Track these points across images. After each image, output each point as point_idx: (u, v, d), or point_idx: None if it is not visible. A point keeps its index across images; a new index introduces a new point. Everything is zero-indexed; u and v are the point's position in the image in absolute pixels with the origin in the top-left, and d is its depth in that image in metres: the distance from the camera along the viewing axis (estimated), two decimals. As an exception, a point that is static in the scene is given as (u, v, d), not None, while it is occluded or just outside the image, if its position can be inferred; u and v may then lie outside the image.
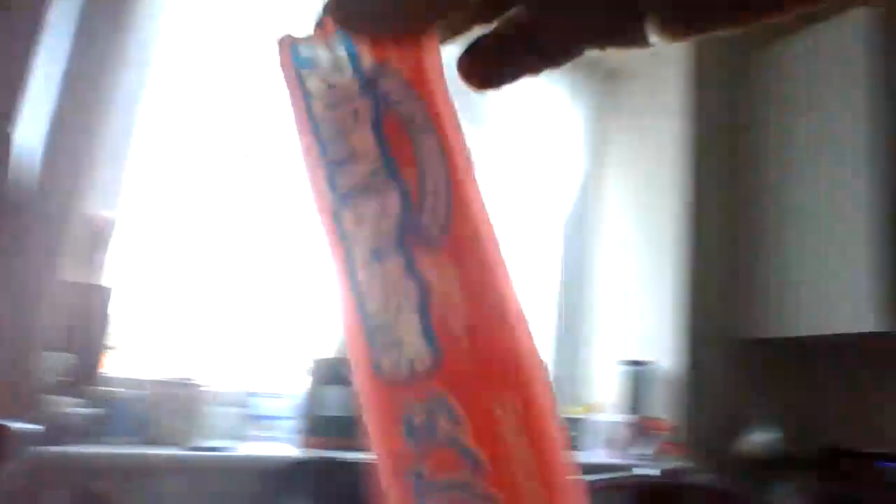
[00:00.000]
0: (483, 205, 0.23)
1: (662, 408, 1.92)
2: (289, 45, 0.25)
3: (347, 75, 0.23)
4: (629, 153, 2.24)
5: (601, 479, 1.34)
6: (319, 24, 0.24)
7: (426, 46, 0.23)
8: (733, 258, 2.11)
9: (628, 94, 2.28)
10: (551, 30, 0.25)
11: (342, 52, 0.24)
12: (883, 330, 1.75)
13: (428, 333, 0.21)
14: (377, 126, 0.23)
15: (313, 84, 0.24)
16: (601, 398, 2.01)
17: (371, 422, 0.22)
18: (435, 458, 0.21)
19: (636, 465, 1.67)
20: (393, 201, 0.23)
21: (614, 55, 2.22)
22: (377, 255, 0.22)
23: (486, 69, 0.26)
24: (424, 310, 0.22)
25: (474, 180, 0.23)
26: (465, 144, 0.23)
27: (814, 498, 1.93)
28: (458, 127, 0.23)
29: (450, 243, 0.22)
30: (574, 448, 1.92)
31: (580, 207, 2.23)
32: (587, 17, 0.24)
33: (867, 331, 1.78)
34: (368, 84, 0.23)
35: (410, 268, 0.22)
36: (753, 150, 2.17)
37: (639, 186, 2.18)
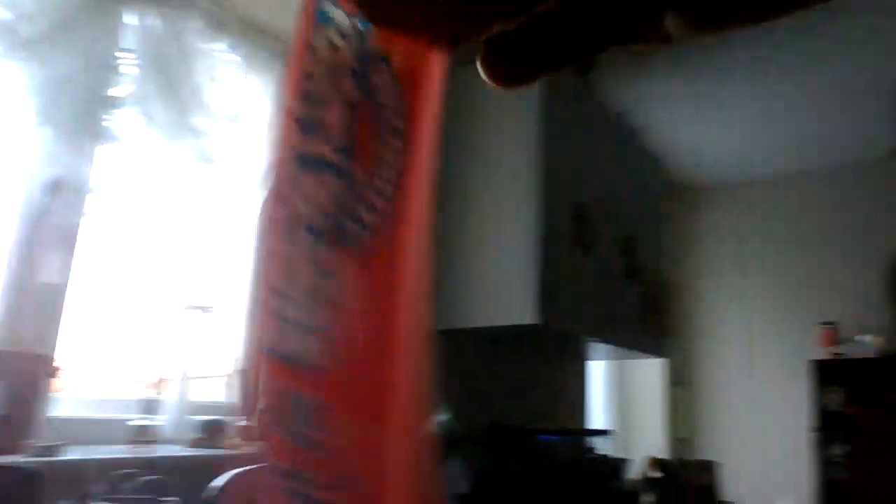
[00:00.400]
0: (424, 224, 0.23)
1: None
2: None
3: (351, 48, 0.23)
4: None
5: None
6: None
7: (434, 51, 0.23)
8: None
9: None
10: (576, 30, 0.25)
11: (358, 25, 0.23)
12: (535, 323, 2.02)
13: (326, 335, 0.22)
14: (353, 112, 0.23)
15: (320, 40, 0.23)
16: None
17: (255, 395, 0.23)
18: (294, 451, 0.22)
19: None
20: (337, 188, 0.22)
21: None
22: (310, 231, 0.22)
23: (510, 68, 0.26)
24: (331, 311, 0.22)
25: (425, 197, 0.23)
26: (432, 160, 0.23)
27: (481, 470, 2.17)
28: (432, 140, 0.23)
29: (375, 251, 0.22)
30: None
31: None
32: (613, 16, 0.24)
33: (524, 323, 2.04)
34: (362, 68, 0.23)
35: (330, 263, 0.22)
36: (444, 157, 2.36)
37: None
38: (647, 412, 4.30)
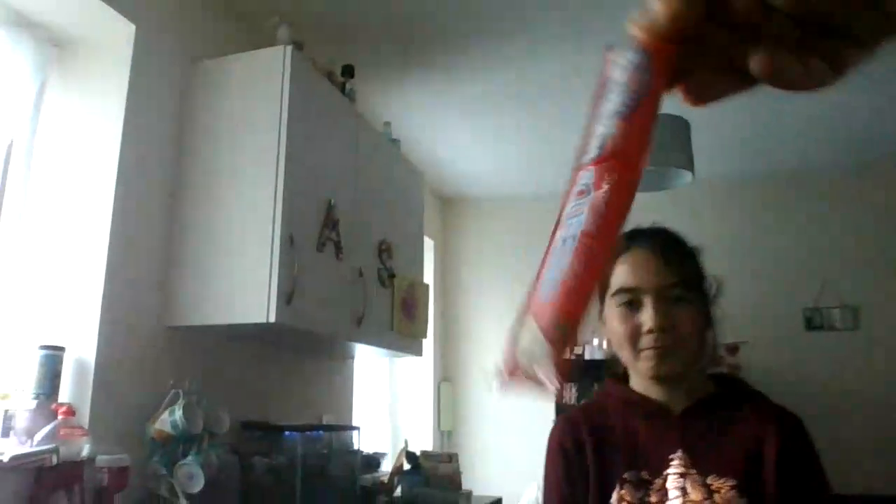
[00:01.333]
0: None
1: (78, 393, 1.91)
2: (615, 51, 0.33)
3: (633, 74, 0.32)
4: (69, 130, 2.13)
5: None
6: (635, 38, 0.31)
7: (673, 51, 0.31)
8: (161, 251, 2.20)
9: (75, 69, 2.17)
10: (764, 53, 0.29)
11: (637, 58, 0.32)
12: (274, 322, 2.05)
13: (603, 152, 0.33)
14: (624, 115, 0.32)
15: (615, 75, 0.33)
16: (14, 385, 1.89)
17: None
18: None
19: (39, 451, 1.63)
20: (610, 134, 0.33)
21: (65, 27, 2.11)
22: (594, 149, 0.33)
23: (706, 89, 0.32)
24: (601, 148, 0.33)
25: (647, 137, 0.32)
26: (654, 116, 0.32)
27: (221, 467, 2.15)
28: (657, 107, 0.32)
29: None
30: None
31: None
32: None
33: (263, 322, 2.06)
34: (637, 75, 0.32)
35: (601, 146, 0.33)
36: (187, 150, 2.29)
37: (70, 167, 2.10)
38: (420, 407, 4.51)
